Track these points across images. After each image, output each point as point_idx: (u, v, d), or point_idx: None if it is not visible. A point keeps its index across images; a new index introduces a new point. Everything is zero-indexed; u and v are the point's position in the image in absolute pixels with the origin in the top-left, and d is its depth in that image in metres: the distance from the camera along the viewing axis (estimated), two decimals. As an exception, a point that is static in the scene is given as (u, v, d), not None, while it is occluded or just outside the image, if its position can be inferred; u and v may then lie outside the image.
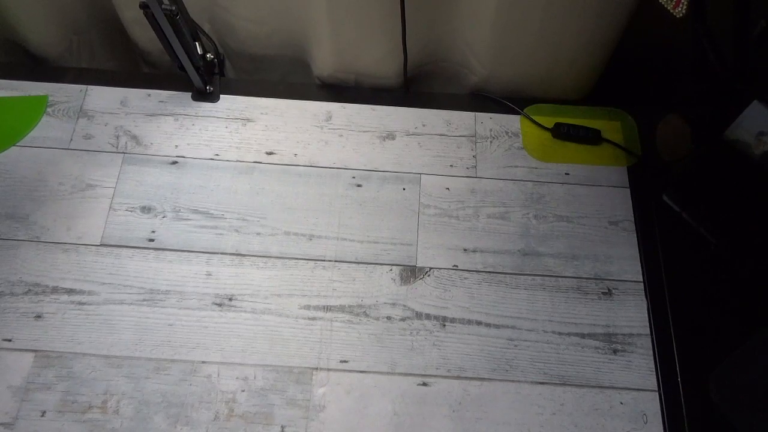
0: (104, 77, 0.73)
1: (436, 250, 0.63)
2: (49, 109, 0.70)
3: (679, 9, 0.47)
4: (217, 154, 0.68)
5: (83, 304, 0.59)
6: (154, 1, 0.57)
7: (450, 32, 0.69)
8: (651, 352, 0.59)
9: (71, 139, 0.68)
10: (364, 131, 0.70)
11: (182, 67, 0.67)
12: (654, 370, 0.58)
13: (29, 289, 0.59)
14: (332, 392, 0.56)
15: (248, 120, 0.71)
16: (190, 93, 0.72)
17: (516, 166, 0.69)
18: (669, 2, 0.48)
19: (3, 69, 0.73)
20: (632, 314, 0.60)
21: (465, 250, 0.63)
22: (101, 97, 0.71)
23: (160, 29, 0.61)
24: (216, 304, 0.59)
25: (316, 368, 0.57)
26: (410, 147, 0.70)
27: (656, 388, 0.57)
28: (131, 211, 0.64)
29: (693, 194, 0.65)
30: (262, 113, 0.71)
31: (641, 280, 0.62)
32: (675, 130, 0.68)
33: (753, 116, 0.54)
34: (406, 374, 0.57)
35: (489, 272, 0.62)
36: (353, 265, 0.62)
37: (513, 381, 0.57)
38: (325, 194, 0.66)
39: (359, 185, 0.67)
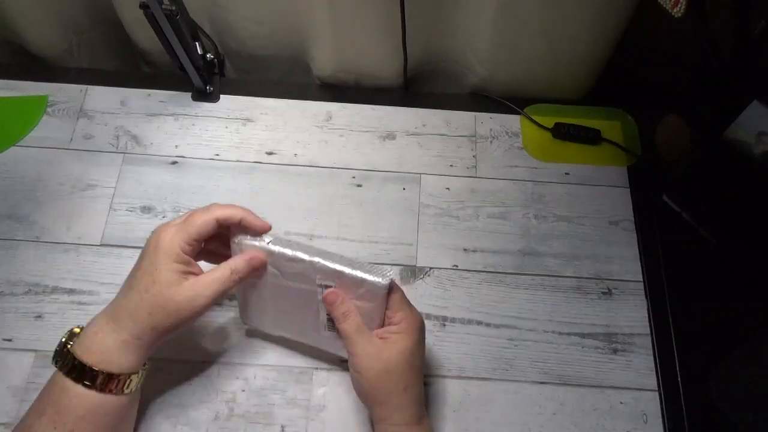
0: (104, 77, 0.73)
1: (436, 250, 0.63)
2: (49, 109, 0.70)
3: (678, 8, 0.47)
4: (217, 154, 0.68)
5: (83, 304, 0.59)
6: (154, 1, 0.57)
7: (450, 32, 0.69)
8: (651, 352, 0.59)
9: (71, 139, 0.68)
10: (364, 131, 0.70)
11: (182, 67, 0.67)
12: (654, 370, 0.58)
13: (29, 289, 0.59)
14: (332, 392, 0.56)
15: (248, 120, 0.71)
16: (190, 93, 0.72)
17: (516, 166, 0.69)
18: (667, 2, 0.48)
19: (3, 69, 0.73)
20: (632, 314, 0.60)
21: (465, 249, 0.63)
22: (101, 97, 0.71)
23: (160, 29, 0.61)
24: (216, 303, 0.58)
25: (316, 368, 0.57)
26: (410, 147, 0.70)
27: (656, 388, 0.57)
28: (131, 211, 0.64)
29: (693, 194, 0.65)
30: (262, 113, 0.71)
31: (641, 280, 0.62)
32: (675, 130, 0.68)
33: (753, 116, 0.54)
34: (406, 374, 0.57)
35: (489, 272, 0.62)
36: (353, 265, 0.62)
37: (513, 381, 0.57)
38: (325, 194, 0.66)
39: (359, 185, 0.67)
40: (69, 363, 0.45)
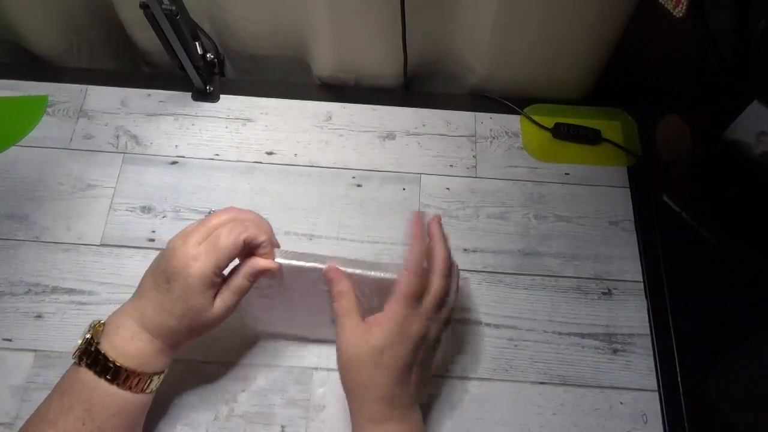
0: (104, 77, 0.73)
1: (436, 250, 0.63)
2: (49, 109, 0.70)
3: (679, 9, 0.47)
4: (217, 154, 0.68)
5: (83, 303, 0.59)
6: (154, 1, 0.57)
7: (450, 32, 0.69)
8: (651, 352, 0.59)
9: (71, 139, 0.68)
10: (364, 131, 0.70)
11: (182, 67, 0.67)
12: (654, 370, 0.58)
13: (29, 289, 0.59)
14: (332, 392, 0.56)
15: (248, 120, 0.71)
16: (190, 93, 0.72)
17: (516, 166, 0.69)
18: (668, 2, 0.48)
19: (3, 69, 0.73)
20: (632, 314, 0.60)
21: (465, 250, 0.63)
22: (101, 97, 0.71)
23: (160, 29, 0.61)
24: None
25: (316, 368, 0.57)
26: (410, 147, 0.70)
27: (656, 388, 0.57)
28: (131, 211, 0.64)
29: (693, 194, 0.65)
30: (262, 113, 0.71)
31: (641, 280, 0.62)
32: (675, 130, 0.68)
33: (753, 116, 0.54)
34: (406, 374, 0.57)
35: (489, 272, 0.62)
36: (353, 265, 0.62)
37: (513, 381, 0.57)
38: (325, 194, 0.66)
39: (359, 185, 0.67)
40: (101, 363, 0.45)
